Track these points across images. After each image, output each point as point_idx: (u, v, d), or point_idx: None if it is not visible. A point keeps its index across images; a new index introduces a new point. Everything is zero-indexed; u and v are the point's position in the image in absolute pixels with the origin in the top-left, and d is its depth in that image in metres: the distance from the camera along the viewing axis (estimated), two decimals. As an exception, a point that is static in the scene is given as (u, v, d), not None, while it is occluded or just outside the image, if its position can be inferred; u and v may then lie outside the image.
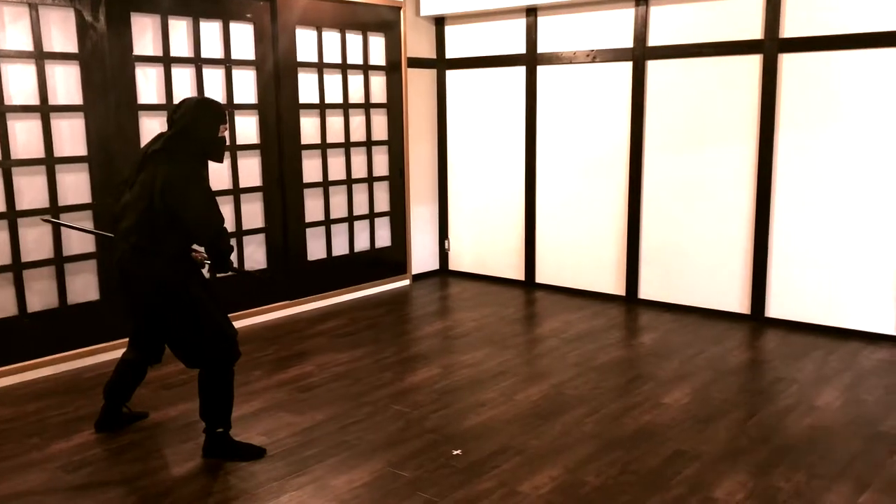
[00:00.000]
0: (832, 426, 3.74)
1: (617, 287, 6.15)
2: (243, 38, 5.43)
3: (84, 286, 4.77)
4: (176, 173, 3.26)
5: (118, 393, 3.76)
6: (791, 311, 5.33)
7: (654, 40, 5.70)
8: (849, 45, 4.91)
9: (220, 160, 3.53)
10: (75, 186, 4.68)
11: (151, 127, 4.96)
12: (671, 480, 3.24)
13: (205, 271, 3.56)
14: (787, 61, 5.15)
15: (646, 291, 5.99)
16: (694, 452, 3.49)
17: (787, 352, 4.86)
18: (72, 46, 4.57)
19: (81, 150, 4.68)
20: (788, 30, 5.12)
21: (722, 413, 3.93)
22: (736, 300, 5.54)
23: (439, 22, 6.82)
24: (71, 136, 4.63)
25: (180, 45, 5.10)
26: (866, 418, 3.80)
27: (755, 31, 5.24)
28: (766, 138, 5.27)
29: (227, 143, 3.61)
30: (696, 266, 5.71)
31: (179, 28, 5.08)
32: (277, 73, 5.63)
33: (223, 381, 3.44)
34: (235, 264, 3.60)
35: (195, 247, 3.52)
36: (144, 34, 4.91)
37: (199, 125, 3.36)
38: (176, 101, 5.05)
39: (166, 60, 5.01)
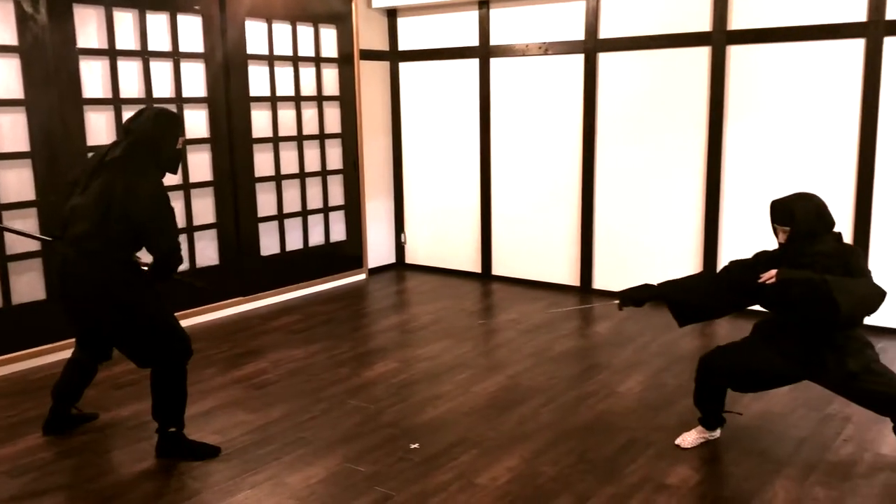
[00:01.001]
0: (782, 411, 3.83)
1: (572, 278, 6.19)
2: (191, 31, 5.33)
3: (29, 286, 4.64)
4: (142, 186, 3.21)
5: (67, 394, 3.68)
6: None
7: (605, 33, 5.74)
8: (794, 37, 5.01)
9: (174, 172, 3.49)
10: (18, 183, 4.54)
11: (97, 122, 4.85)
12: (626, 469, 3.28)
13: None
14: (734, 53, 5.23)
15: (600, 281, 6.05)
16: (648, 440, 3.54)
17: (738, 337, 4.93)
18: (11, 39, 4.44)
19: (24, 146, 4.54)
20: (736, 22, 5.20)
21: (675, 400, 3.99)
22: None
23: (391, 14, 6.78)
24: (12, 131, 4.49)
25: (126, 37, 4.98)
26: (814, 402, 3.89)
27: (704, 24, 5.31)
28: (715, 128, 5.36)
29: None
30: (648, 255, 5.78)
31: (125, 20, 4.97)
32: (227, 65, 5.54)
33: (176, 380, 3.39)
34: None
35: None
36: (88, 26, 4.78)
37: (158, 137, 3.31)
38: (123, 95, 4.95)
39: (112, 53, 4.90)
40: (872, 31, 4.75)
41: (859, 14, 4.79)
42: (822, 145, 5.02)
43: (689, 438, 3.49)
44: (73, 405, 3.73)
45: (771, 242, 3.40)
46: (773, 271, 3.07)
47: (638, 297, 3.45)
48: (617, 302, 3.50)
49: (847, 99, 4.90)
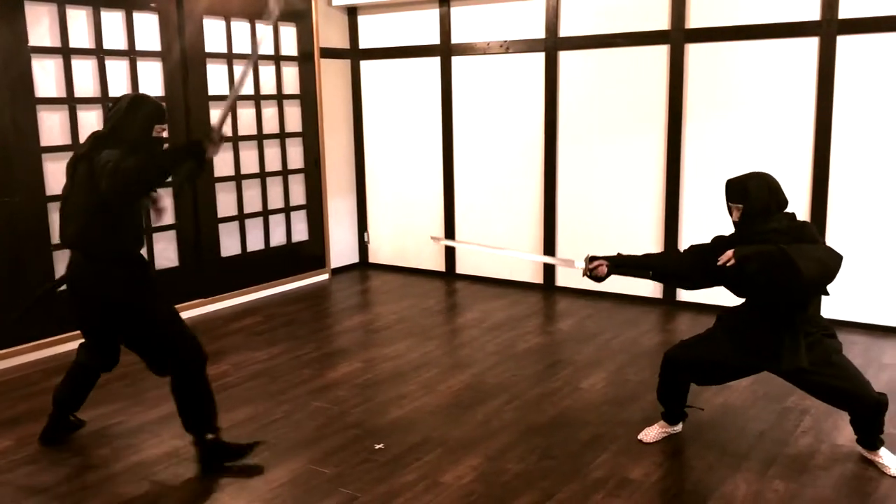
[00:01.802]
0: (742, 404, 3.88)
1: (535, 275, 6.22)
2: (148, 28, 5.24)
3: (-18, 290, 4.54)
4: (105, 156, 3.06)
5: (70, 401, 3.57)
6: (700, 295, 5.48)
7: (565, 31, 5.77)
8: (750, 35, 5.09)
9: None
10: (-31, 185, 4.44)
11: (51, 121, 4.75)
12: (590, 464, 3.30)
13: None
14: (692, 51, 5.30)
15: (563, 279, 6.09)
16: (611, 435, 3.57)
17: (698, 332, 4.99)
18: (-40, 37, 4.33)
19: (-26, 147, 4.44)
20: (694, 20, 5.26)
21: (637, 396, 4.02)
22: (648, 285, 5.68)
23: (352, 12, 6.74)
24: (-38, 131, 4.39)
25: (80, 35, 4.88)
26: (773, 395, 3.95)
27: (662, 22, 5.37)
28: (674, 125, 5.42)
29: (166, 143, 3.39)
30: (610, 252, 5.81)
31: (78, 18, 4.86)
32: (185, 64, 5.46)
33: (196, 385, 3.28)
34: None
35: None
36: (40, 24, 4.67)
37: (129, 125, 3.18)
38: (77, 94, 4.86)
39: (65, 52, 4.79)
40: (826, 29, 4.84)
41: (813, 13, 4.88)
42: (778, 140, 5.10)
43: (652, 433, 3.53)
44: (73, 412, 3.63)
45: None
46: (730, 252, 3.10)
47: (621, 262, 3.48)
48: (596, 266, 3.46)
49: (802, 95, 4.99)
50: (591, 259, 3.49)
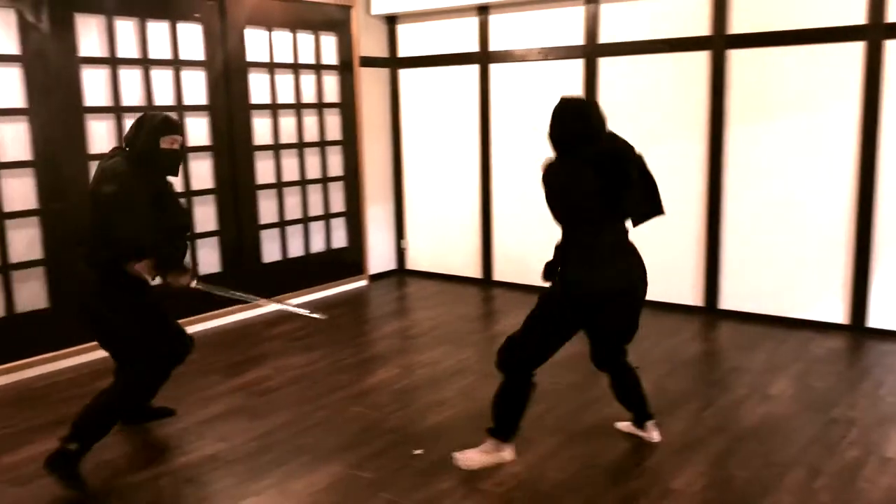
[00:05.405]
0: (786, 414, 3.82)
1: (573, 283, 6.18)
2: (192, 39, 5.34)
3: (32, 294, 4.63)
4: (110, 187, 3.21)
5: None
6: (743, 303, 5.42)
7: (604, 37, 5.75)
8: (793, 40, 5.02)
9: (171, 173, 3.46)
10: (22, 192, 4.55)
11: (98, 130, 4.85)
12: (631, 472, 3.27)
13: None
14: (735, 57, 5.24)
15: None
16: (652, 445, 3.53)
17: (740, 342, 4.94)
18: (14, 48, 4.44)
19: (26, 155, 4.54)
20: (736, 26, 5.21)
21: (678, 404, 3.98)
22: (689, 293, 5.62)
23: (391, 21, 6.79)
24: (15, 140, 4.49)
25: (127, 45, 4.99)
26: (818, 405, 3.88)
27: (703, 28, 5.32)
28: (715, 133, 5.36)
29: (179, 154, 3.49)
30: (651, 261, 5.75)
31: (126, 29, 4.98)
32: (227, 73, 5.55)
33: (125, 392, 3.34)
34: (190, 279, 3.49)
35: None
36: (89, 35, 4.79)
37: (138, 140, 3.33)
38: (123, 103, 4.98)
39: (113, 62, 4.90)
40: (872, 33, 4.76)
41: (858, 17, 4.80)
42: (826, 150, 5.01)
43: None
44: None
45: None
46: None
47: None
48: None
49: (846, 101, 4.90)
50: None
